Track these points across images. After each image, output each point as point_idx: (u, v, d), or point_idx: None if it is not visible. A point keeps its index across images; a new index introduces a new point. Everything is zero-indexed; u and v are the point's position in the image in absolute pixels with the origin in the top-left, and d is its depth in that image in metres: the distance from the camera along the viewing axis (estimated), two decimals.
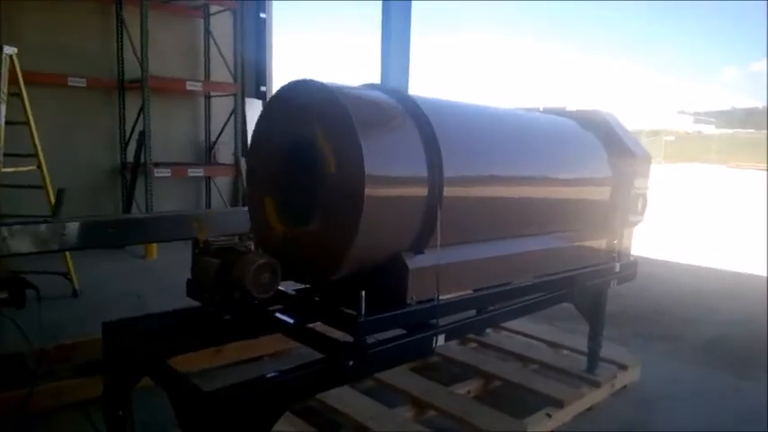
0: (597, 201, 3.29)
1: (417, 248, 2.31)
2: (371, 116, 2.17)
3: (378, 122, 2.18)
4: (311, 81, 2.24)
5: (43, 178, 4.76)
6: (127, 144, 7.95)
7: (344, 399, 3.00)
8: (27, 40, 7.13)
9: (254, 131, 2.51)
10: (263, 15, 9.83)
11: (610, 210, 3.36)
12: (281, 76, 10.51)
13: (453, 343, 3.97)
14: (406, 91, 6.59)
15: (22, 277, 2.99)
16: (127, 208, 7.67)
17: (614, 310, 5.23)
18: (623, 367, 3.61)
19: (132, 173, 7.62)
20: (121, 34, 7.80)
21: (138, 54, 7.35)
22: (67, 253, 5.00)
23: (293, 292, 2.42)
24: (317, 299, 2.38)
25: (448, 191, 2.30)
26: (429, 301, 2.30)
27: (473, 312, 2.73)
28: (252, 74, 9.61)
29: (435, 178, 2.24)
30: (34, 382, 2.90)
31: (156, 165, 7.44)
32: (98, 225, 3.03)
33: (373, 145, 2.06)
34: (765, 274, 7.24)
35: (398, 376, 3.27)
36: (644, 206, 3.48)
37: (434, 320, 2.32)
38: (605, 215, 3.35)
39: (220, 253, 2.21)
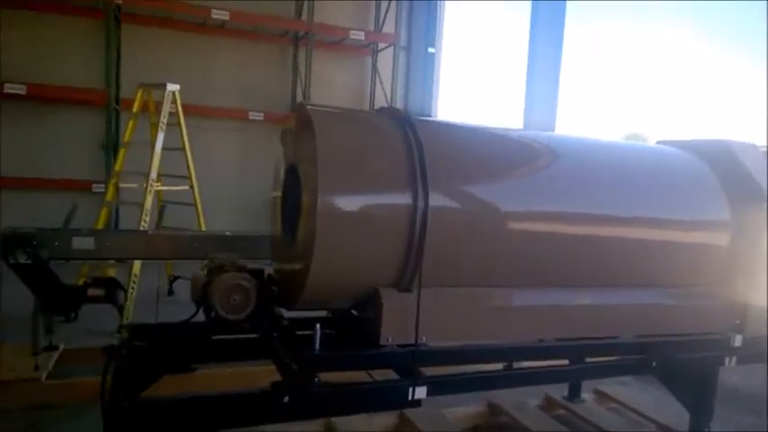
0: (700, 252, 2.59)
1: (404, 286, 2.06)
2: (345, 141, 2.02)
3: (352, 148, 2.02)
4: (303, 104, 2.20)
5: (194, 197, 5.47)
6: None
7: None
8: (217, 78, 8.44)
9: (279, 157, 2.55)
10: (431, 50, 10.11)
11: (726, 264, 2.61)
12: (448, 108, 10.59)
13: (535, 405, 3.45)
14: (554, 120, 6.16)
15: (115, 278, 3.36)
16: None
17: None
18: None
19: None
20: (296, 73, 8.68)
21: (307, 87, 8.16)
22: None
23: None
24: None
25: (442, 224, 2.03)
26: (414, 345, 2.03)
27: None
28: (417, 107, 9.91)
29: (420, 209, 1.98)
30: None
31: None
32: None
33: (336, 171, 1.93)
34: None
35: None
36: None
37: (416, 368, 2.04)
38: (718, 271, 2.61)
39: (213, 271, 2.25)
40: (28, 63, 7.29)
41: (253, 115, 8.27)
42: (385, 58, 9.35)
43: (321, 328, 2.41)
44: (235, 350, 2.33)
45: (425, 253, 1.99)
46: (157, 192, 5.20)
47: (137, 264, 4.34)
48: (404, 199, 1.99)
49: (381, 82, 9.27)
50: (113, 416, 1.72)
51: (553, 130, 5.99)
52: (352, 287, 2.05)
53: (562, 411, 3.42)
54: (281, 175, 2.39)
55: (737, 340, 2.60)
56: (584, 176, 2.39)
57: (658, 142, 3.11)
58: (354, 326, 2.20)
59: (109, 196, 5.03)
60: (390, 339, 2.01)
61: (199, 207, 5.47)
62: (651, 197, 2.50)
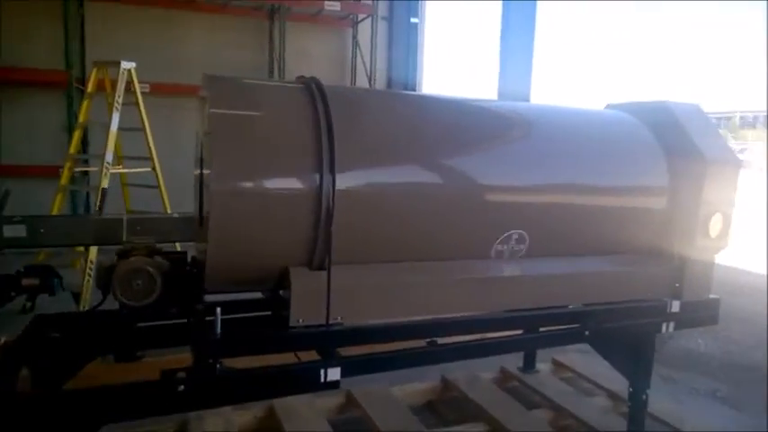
0: (636, 217, 2.51)
1: (316, 264, 2.00)
2: (244, 112, 1.93)
3: (252, 120, 1.93)
4: (209, 75, 2.09)
5: (157, 179, 5.39)
6: None
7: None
8: (194, 57, 8.27)
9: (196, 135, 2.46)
10: (414, 20, 9.86)
11: (664, 229, 2.53)
12: (434, 78, 10.42)
13: (489, 378, 3.41)
14: (527, 93, 5.99)
15: (51, 266, 3.28)
16: None
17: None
18: None
19: None
20: (272, 47, 8.51)
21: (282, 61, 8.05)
22: None
23: None
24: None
25: (354, 199, 1.96)
26: (325, 326, 1.97)
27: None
28: (400, 79, 9.70)
29: (326, 185, 1.90)
30: None
31: None
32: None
33: (233, 144, 1.85)
34: None
35: (391, 414, 2.87)
36: (724, 227, 2.54)
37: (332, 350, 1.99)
38: (653, 237, 2.54)
39: (121, 255, 2.18)
40: None
41: None
42: (367, 30, 9.12)
43: (255, 311, 2.40)
44: (153, 337, 2.27)
45: (337, 229, 1.92)
46: (120, 174, 5.12)
47: (93, 250, 4.28)
48: (309, 174, 1.90)
49: (362, 54, 9.07)
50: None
51: (527, 100, 5.86)
52: (261, 267, 1.98)
53: (515, 383, 3.39)
54: (197, 152, 2.30)
55: (675, 306, 2.54)
56: (509, 142, 2.30)
57: (607, 106, 3.00)
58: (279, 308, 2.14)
59: (63, 180, 4.94)
60: (301, 320, 1.95)
61: (162, 189, 5.39)
62: (584, 161, 2.41)
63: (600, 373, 3.43)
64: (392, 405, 2.95)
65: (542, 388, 3.24)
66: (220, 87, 1.98)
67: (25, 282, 2.76)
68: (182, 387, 1.79)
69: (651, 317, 2.53)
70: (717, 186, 2.49)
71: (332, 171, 1.89)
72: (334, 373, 1.98)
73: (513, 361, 3.50)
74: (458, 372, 3.30)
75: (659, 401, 3.04)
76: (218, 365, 1.88)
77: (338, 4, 8.20)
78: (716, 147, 2.56)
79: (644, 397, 2.62)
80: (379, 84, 9.22)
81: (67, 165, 5.01)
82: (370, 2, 8.97)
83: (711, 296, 2.67)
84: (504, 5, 5.88)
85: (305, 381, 1.97)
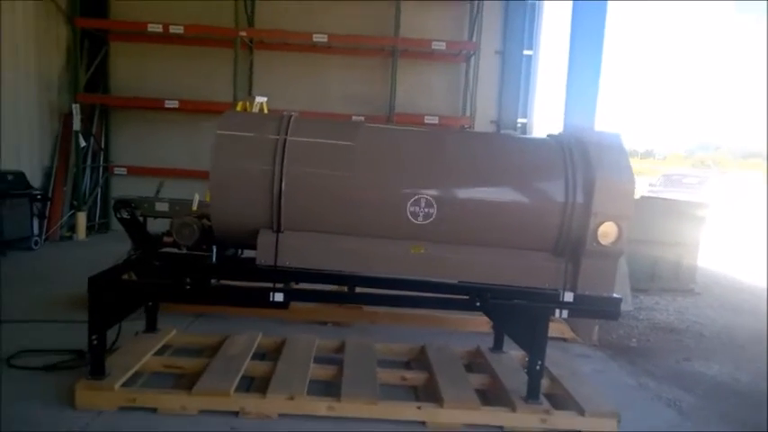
0: (529, 221, 3.20)
1: (275, 228, 3.15)
2: (237, 132, 3.19)
3: (241, 128, 3.20)
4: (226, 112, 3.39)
5: None
6: None
7: None
8: (332, 90, 10.05)
9: None
10: (527, 52, 10.50)
11: (561, 235, 3.19)
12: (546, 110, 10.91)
13: (461, 350, 4.17)
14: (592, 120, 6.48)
15: None
16: None
17: None
18: (581, 411, 3.23)
19: None
20: (393, 81, 9.89)
21: (393, 94, 9.43)
22: None
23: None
24: None
25: (300, 189, 3.09)
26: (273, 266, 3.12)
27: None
28: (511, 110, 10.43)
29: (278, 175, 3.07)
30: None
31: None
32: None
33: (226, 151, 3.12)
34: None
35: (363, 361, 3.88)
36: (616, 235, 3.11)
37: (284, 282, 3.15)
38: (553, 239, 3.21)
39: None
40: (186, 85, 9.67)
41: (355, 119, 9.66)
42: (484, 63, 10.02)
43: None
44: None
45: (286, 208, 3.08)
46: None
47: None
48: (269, 170, 3.07)
49: (471, 88, 9.99)
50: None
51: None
52: (245, 228, 3.18)
53: (480, 359, 4.09)
54: None
55: (568, 296, 3.16)
56: (436, 157, 3.24)
57: (561, 133, 3.66)
58: None
59: None
60: (264, 261, 3.12)
61: None
62: (490, 171, 3.25)
63: (558, 362, 3.96)
64: (368, 355, 3.91)
65: (496, 364, 3.92)
66: (226, 117, 3.25)
67: (165, 239, 4.23)
68: (188, 287, 3.08)
69: (543, 301, 3.19)
70: (604, 200, 3.08)
71: (282, 170, 3.04)
72: (279, 297, 3.11)
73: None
74: (440, 341, 4.16)
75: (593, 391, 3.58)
76: (212, 280, 3.15)
77: (443, 43, 9.28)
78: (612, 168, 3.14)
79: (537, 367, 3.25)
80: (485, 116, 10.07)
81: None
82: (493, 36, 9.91)
83: (614, 295, 3.22)
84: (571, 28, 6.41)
85: (261, 298, 3.12)
